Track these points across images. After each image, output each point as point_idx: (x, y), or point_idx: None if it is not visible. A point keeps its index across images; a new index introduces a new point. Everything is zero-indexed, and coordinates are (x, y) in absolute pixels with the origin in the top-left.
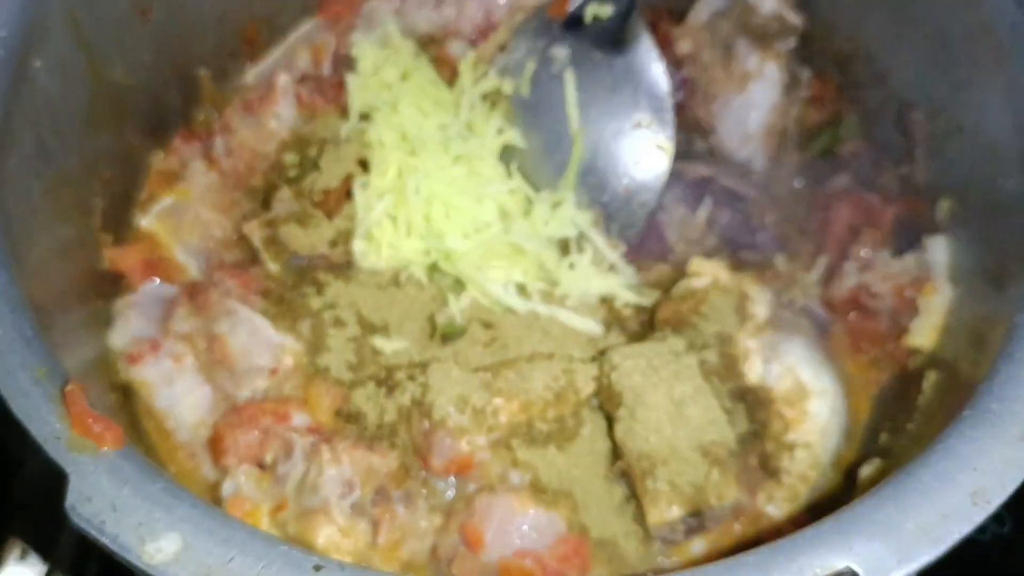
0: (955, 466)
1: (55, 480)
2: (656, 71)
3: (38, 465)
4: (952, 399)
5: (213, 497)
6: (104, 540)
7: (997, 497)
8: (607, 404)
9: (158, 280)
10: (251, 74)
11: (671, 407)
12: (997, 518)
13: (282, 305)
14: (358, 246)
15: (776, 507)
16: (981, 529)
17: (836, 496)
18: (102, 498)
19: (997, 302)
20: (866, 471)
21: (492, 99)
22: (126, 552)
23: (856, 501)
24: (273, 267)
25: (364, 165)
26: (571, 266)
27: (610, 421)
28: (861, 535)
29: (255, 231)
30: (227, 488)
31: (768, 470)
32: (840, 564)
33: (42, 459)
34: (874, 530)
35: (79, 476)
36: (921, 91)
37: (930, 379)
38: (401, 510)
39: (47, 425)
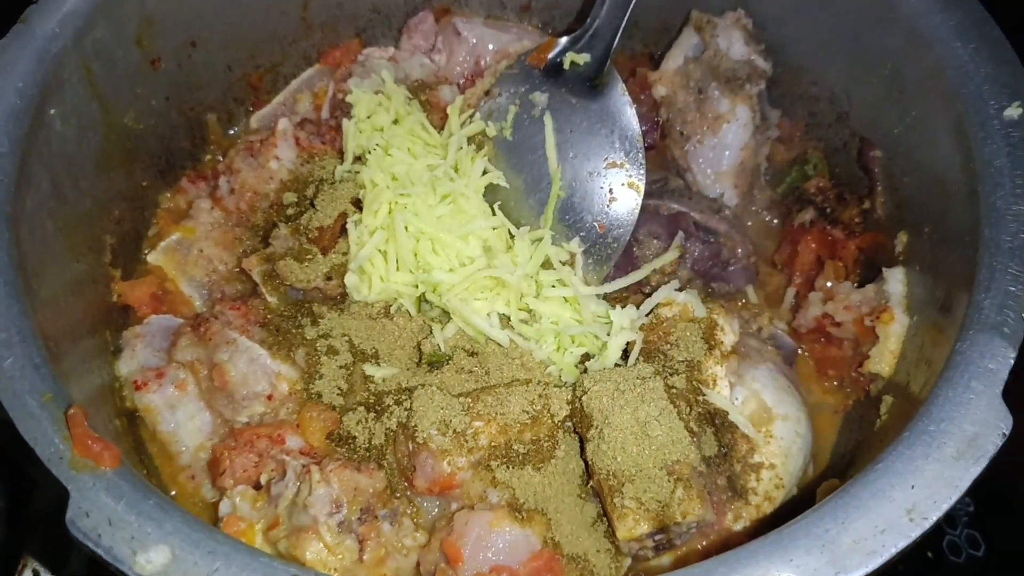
0: (892, 484)
1: (68, 503)
2: (628, 114)
3: (52, 488)
4: (904, 422)
5: (212, 516)
6: (99, 552)
7: (932, 513)
8: (579, 426)
9: (166, 312)
10: (255, 118)
11: (636, 427)
12: (972, 542)
13: (279, 335)
14: (351, 280)
15: (743, 526)
16: (957, 552)
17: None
18: (99, 513)
19: (944, 328)
20: (822, 491)
21: (477, 141)
22: (119, 563)
23: (798, 517)
24: (272, 299)
25: (357, 204)
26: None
27: (583, 443)
28: (800, 548)
29: (255, 266)
30: (224, 508)
31: (736, 490)
32: (780, 575)
33: (56, 483)
34: (813, 543)
35: (79, 493)
36: (880, 130)
37: (886, 403)
38: (387, 528)
39: (51, 445)
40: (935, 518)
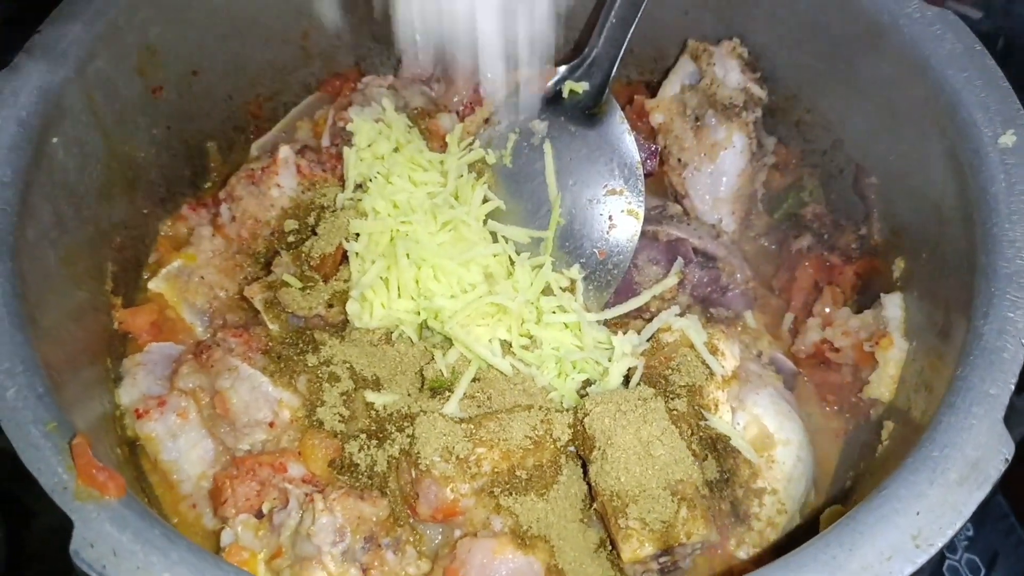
0: (897, 510)
1: (66, 532)
2: (627, 142)
3: (50, 517)
4: (906, 447)
5: (214, 545)
6: None
7: (938, 539)
8: (582, 448)
9: (166, 340)
10: (255, 146)
11: (639, 447)
12: (972, 566)
13: (281, 362)
14: (352, 307)
15: (746, 552)
16: None
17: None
18: (104, 543)
19: (944, 354)
20: (826, 516)
21: (478, 169)
22: None
23: (805, 543)
24: (273, 327)
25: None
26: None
27: (585, 465)
28: (808, 574)
29: (256, 294)
30: (226, 537)
31: (738, 516)
32: None
33: (54, 512)
34: (821, 570)
35: (83, 523)
36: (875, 157)
37: (887, 429)
38: (390, 556)
39: (55, 476)
40: (940, 544)
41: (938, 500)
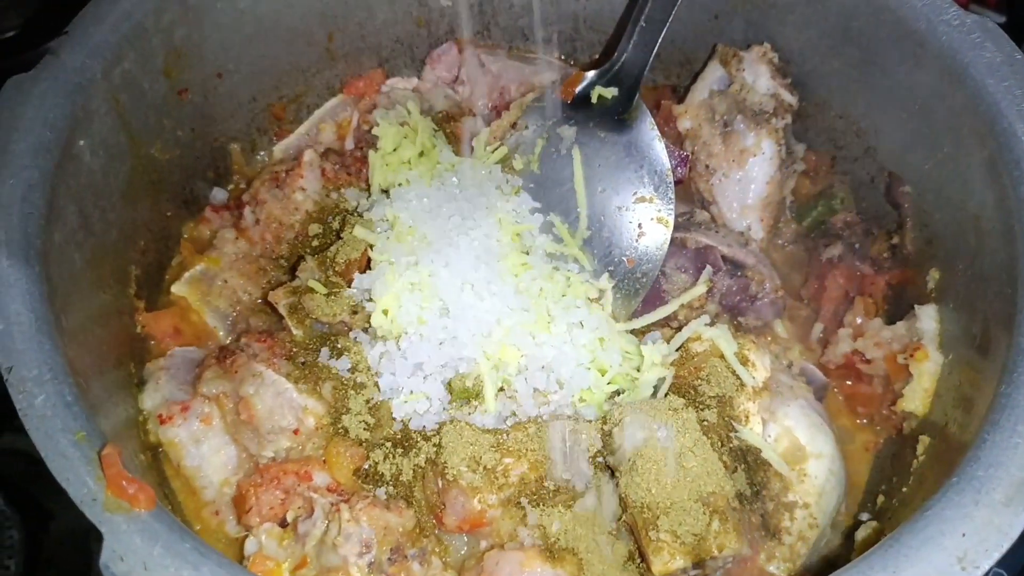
0: (942, 531)
1: (84, 535)
2: (657, 148)
3: (68, 520)
4: (943, 463)
5: (236, 553)
6: None
7: (984, 561)
8: (611, 459)
9: (188, 344)
10: (279, 148)
11: (671, 459)
12: None
13: (305, 368)
14: (378, 316)
15: (777, 567)
16: None
17: (835, 557)
18: (134, 557)
19: (984, 369)
20: (862, 533)
21: (506, 174)
22: None
23: (848, 565)
24: (297, 333)
25: None
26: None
27: (615, 477)
28: None
29: (281, 299)
30: (250, 546)
31: (769, 530)
32: None
33: (72, 515)
34: None
35: (113, 536)
36: (909, 165)
37: (923, 443)
38: (416, 568)
39: (84, 487)
40: (987, 566)
41: (984, 521)
